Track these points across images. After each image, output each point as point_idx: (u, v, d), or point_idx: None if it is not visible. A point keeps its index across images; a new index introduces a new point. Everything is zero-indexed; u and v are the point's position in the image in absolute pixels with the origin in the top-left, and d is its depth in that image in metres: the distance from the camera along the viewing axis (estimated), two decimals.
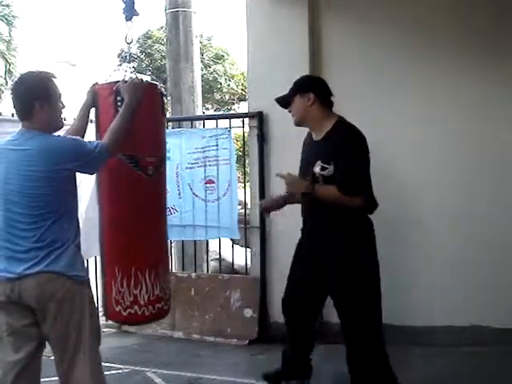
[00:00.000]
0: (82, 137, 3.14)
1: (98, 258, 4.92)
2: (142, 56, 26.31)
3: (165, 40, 8.80)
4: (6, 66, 17.77)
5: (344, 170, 3.36)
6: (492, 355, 4.43)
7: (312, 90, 3.56)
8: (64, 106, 2.92)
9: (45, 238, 2.72)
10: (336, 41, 5.11)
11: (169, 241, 5.71)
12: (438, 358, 4.49)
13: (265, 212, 4.30)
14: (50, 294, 2.73)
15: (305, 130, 3.77)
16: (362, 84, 4.99)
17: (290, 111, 3.67)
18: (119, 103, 3.12)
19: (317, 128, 3.58)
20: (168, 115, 8.48)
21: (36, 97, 2.79)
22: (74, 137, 2.96)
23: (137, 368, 4.56)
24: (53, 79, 2.89)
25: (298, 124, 3.66)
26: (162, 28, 20.03)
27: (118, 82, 3.20)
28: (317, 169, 3.44)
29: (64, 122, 2.99)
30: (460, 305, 4.72)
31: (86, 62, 23.01)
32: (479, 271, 4.74)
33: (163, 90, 3.35)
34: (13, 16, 18.44)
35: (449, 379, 4.13)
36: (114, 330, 5.63)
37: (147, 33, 26.15)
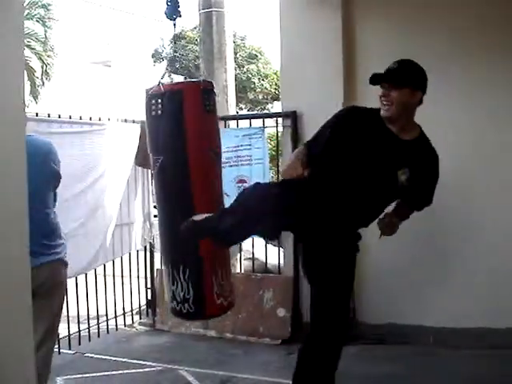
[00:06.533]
0: None
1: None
2: (176, 56, 26.46)
3: (198, 40, 8.83)
4: (42, 67, 17.98)
5: (426, 192, 3.22)
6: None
7: (423, 90, 3.09)
8: None
9: None
10: (370, 40, 5.07)
11: None
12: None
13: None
14: None
15: None
16: None
17: (383, 94, 3.06)
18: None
19: (404, 128, 3.12)
20: None
21: None
22: None
23: (169, 366, 4.59)
24: None
25: (391, 118, 3.07)
26: (195, 28, 20.12)
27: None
28: (403, 177, 3.08)
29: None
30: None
31: (120, 63, 23.23)
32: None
33: (207, 84, 3.31)
34: (49, 18, 18.65)
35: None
36: (146, 329, 5.68)
37: (181, 33, 26.33)
